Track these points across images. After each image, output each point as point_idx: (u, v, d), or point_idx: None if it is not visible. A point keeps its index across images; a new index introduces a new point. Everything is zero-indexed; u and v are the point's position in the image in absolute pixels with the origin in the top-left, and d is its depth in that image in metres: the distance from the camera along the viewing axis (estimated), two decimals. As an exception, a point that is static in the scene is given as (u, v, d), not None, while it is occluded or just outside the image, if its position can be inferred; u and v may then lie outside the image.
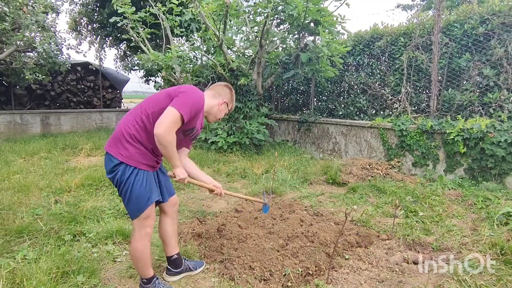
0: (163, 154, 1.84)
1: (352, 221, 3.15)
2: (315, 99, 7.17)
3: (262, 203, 2.83)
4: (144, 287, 1.96)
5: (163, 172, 2.05)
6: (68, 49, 8.64)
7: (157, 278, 2.00)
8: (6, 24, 6.69)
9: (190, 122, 1.89)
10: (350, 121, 5.87)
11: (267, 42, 5.96)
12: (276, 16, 5.83)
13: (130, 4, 6.15)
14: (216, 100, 2.08)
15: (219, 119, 2.17)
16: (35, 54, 7.79)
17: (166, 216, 2.12)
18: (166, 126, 1.72)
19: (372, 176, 4.64)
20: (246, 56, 6.83)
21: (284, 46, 6.54)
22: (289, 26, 5.93)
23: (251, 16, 6.36)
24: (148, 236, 1.89)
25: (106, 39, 10.71)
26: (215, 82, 8.46)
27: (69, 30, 10.38)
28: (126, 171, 1.78)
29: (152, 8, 6.45)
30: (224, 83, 2.17)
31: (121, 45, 11.09)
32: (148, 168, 1.85)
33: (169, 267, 2.18)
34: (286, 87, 8.01)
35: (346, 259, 2.45)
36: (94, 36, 10.66)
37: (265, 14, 5.36)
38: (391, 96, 5.67)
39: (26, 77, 7.20)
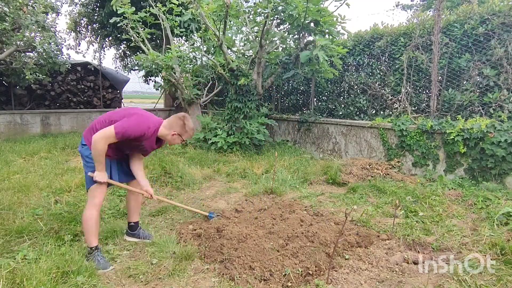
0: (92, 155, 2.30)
1: (352, 221, 3.15)
2: (315, 99, 7.16)
3: (205, 215, 3.15)
4: (88, 256, 2.32)
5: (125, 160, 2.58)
6: (68, 49, 8.65)
7: (98, 250, 2.37)
8: (6, 24, 6.68)
9: (131, 141, 2.34)
10: (350, 121, 5.87)
11: (267, 42, 5.96)
12: (276, 16, 5.83)
13: (130, 4, 6.15)
14: (168, 131, 2.43)
15: (178, 143, 2.52)
16: (35, 54, 7.79)
17: (130, 193, 2.71)
18: (99, 137, 2.21)
19: (372, 176, 4.64)
20: (246, 56, 6.83)
21: (284, 46, 6.54)
22: (289, 26, 5.93)
23: (251, 16, 6.36)
24: (95, 206, 2.34)
25: (106, 39, 10.70)
26: (215, 82, 8.41)
27: (68, 30, 10.37)
28: (88, 151, 2.33)
29: (152, 8, 6.45)
30: (180, 114, 2.49)
31: (121, 45, 11.08)
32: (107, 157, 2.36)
33: (128, 230, 2.75)
34: (286, 87, 8.01)
35: (346, 259, 2.45)
36: (94, 36, 10.65)
37: (265, 14, 5.36)
38: (391, 96, 5.67)
39: (27, 77, 7.19)
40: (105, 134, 2.21)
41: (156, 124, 2.41)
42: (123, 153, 2.53)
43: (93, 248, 2.33)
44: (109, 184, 2.47)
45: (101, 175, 2.30)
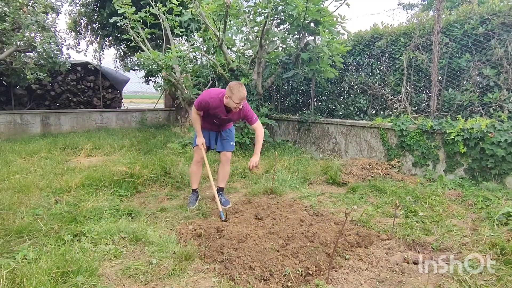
0: None
1: (352, 221, 3.15)
2: (315, 99, 7.16)
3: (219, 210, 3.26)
4: (190, 195, 3.66)
5: (223, 137, 3.58)
6: (68, 49, 8.66)
7: (194, 193, 3.61)
8: (6, 24, 6.69)
9: (207, 110, 3.27)
10: (350, 121, 5.87)
11: (267, 42, 5.96)
12: (276, 16, 5.82)
13: (131, 4, 6.15)
14: (224, 97, 3.13)
15: (235, 107, 3.13)
16: (35, 54, 7.80)
17: (220, 162, 3.67)
18: (191, 111, 3.42)
19: (372, 176, 4.64)
20: (246, 56, 6.83)
21: (284, 46, 6.54)
22: (289, 26, 5.93)
23: (251, 16, 6.36)
24: (194, 162, 3.58)
25: (106, 39, 10.70)
26: (215, 82, 8.44)
27: (68, 30, 10.37)
28: None
29: (152, 8, 6.45)
30: (231, 82, 3.13)
31: (121, 45, 11.09)
32: (204, 127, 3.49)
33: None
34: (286, 87, 8.01)
35: (346, 259, 2.45)
36: (94, 36, 10.65)
37: (265, 14, 5.36)
38: (391, 96, 5.67)
39: (27, 77, 7.19)
40: (192, 109, 3.35)
41: (218, 94, 3.20)
42: (214, 125, 3.48)
43: (192, 190, 3.63)
44: (208, 148, 3.60)
45: (197, 139, 3.44)
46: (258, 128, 3.38)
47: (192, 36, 8.21)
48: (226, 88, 3.11)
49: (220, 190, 3.64)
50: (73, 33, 10.34)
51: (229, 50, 6.74)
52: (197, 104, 3.24)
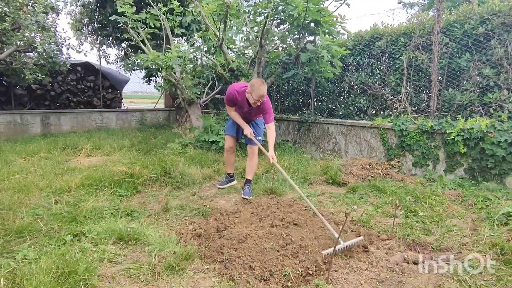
0: None
1: (352, 221, 3.15)
2: (315, 99, 7.16)
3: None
4: (227, 177, 4.22)
5: (254, 128, 3.92)
6: (68, 49, 8.64)
7: (228, 176, 4.22)
8: (6, 24, 6.68)
9: (235, 104, 3.72)
10: (350, 121, 5.87)
11: (267, 42, 5.96)
12: (276, 16, 5.82)
13: (132, 4, 6.15)
14: (247, 91, 3.48)
15: (253, 103, 3.48)
16: (35, 54, 7.79)
17: (248, 156, 3.99)
18: (227, 110, 3.89)
19: (372, 176, 4.64)
20: (246, 56, 6.83)
21: (284, 46, 6.54)
22: (289, 26, 5.92)
23: (251, 16, 6.36)
24: (226, 150, 4.07)
25: (107, 39, 10.70)
26: (215, 82, 8.41)
27: (72, 30, 10.36)
28: None
29: (153, 8, 6.45)
30: (254, 79, 3.53)
31: (122, 44, 11.08)
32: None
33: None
34: (286, 87, 8.01)
35: (346, 258, 2.45)
36: (95, 36, 10.64)
37: (265, 14, 5.35)
38: (391, 96, 5.67)
39: (26, 77, 7.19)
40: (227, 108, 3.88)
41: (242, 87, 3.58)
42: (245, 118, 3.84)
43: (227, 174, 4.22)
44: (237, 139, 4.05)
45: (245, 130, 3.78)
46: (272, 128, 3.69)
47: (193, 36, 8.21)
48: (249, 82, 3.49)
49: (247, 181, 3.96)
50: (78, 32, 10.32)
51: (229, 50, 6.74)
52: (226, 101, 3.72)
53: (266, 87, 3.48)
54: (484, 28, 4.50)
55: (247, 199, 3.73)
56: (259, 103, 3.50)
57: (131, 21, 6.34)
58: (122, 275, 2.20)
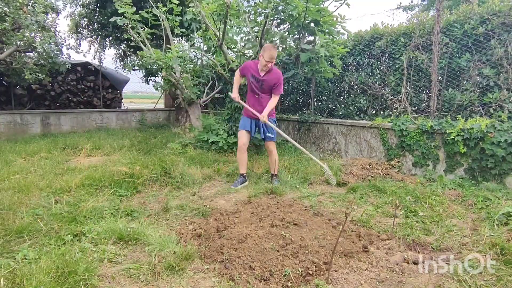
0: None
1: (352, 221, 3.15)
2: (315, 99, 7.16)
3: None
4: (240, 178, 4.23)
5: (266, 126, 4.21)
6: (68, 49, 8.64)
7: (241, 177, 4.21)
8: (6, 24, 6.68)
9: (245, 74, 4.18)
10: (350, 121, 5.87)
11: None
12: (276, 16, 5.82)
13: (131, 4, 6.14)
14: (260, 55, 3.91)
15: (265, 65, 3.86)
16: (35, 54, 7.79)
17: (267, 153, 4.44)
18: (235, 74, 4.31)
19: (372, 176, 4.64)
20: (246, 56, 6.83)
21: (284, 46, 6.54)
22: (289, 26, 5.92)
23: (251, 16, 6.36)
24: (239, 148, 4.19)
25: (106, 39, 10.70)
26: (215, 82, 8.40)
27: (69, 33, 10.37)
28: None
29: (153, 8, 6.44)
30: (266, 44, 4.18)
31: (121, 45, 11.09)
32: (245, 115, 4.33)
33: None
34: (286, 87, 8.00)
35: (346, 258, 2.45)
36: (94, 37, 10.65)
37: (265, 14, 5.35)
38: (391, 96, 5.67)
39: (26, 77, 7.19)
40: (236, 72, 4.32)
41: (255, 61, 4.19)
42: (256, 101, 4.16)
43: (240, 174, 4.25)
44: (251, 136, 4.28)
45: (234, 94, 4.25)
46: (275, 98, 4.07)
47: (193, 36, 8.20)
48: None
49: (273, 176, 4.32)
50: (74, 35, 10.34)
51: (229, 50, 6.74)
52: (241, 68, 4.20)
53: (277, 52, 3.83)
54: (484, 28, 4.50)
55: (276, 186, 4.02)
56: (270, 66, 3.82)
57: (131, 21, 6.34)
58: (122, 275, 2.20)
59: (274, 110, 4.33)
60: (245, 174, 4.28)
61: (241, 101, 4.32)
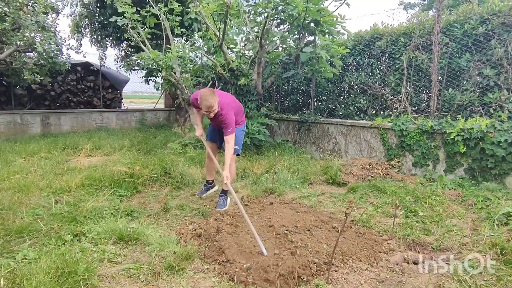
0: None
1: (352, 221, 3.15)
2: (315, 99, 7.16)
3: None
4: (205, 185, 3.96)
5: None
6: (68, 49, 8.63)
7: (206, 184, 3.96)
8: (6, 24, 6.68)
9: (199, 109, 3.53)
10: (350, 121, 5.87)
11: (267, 42, 5.96)
12: (276, 16, 5.82)
13: (131, 4, 6.14)
14: None
15: (205, 113, 3.31)
16: (35, 54, 7.79)
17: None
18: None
19: (372, 176, 4.64)
20: (246, 56, 6.83)
21: (284, 46, 6.54)
22: (289, 26, 5.92)
23: (251, 16, 6.36)
24: (207, 156, 3.80)
25: (107, 39, 10.69)
26: (215, 82, 8.42)
27: (70, 33, 10.36)
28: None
29: (153, 8, 6.44)
30: (202, 90, 3.23)
31: (122, 44, 11.08)
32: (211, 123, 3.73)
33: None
34: (286, 87, 8.01)
35: (346, 258, 2.45)
36: (95, 37, 10.64)
37: (265, 14, 5.35)
38: (391, 96, 5.66)
39: (25, 77, 7.19)
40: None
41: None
42: (213, 122, 3.62)
43: (205, 180, 4.00)
44: (220, 146, 3.93)
45: (198, 131, 3.79)
46: (228, 142, 3.29)
47: (193, 35, 8.20)
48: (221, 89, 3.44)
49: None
50: (75, 35, 10.33)
51: (229, 50, 6.74)
52: (191, 103, 3.71)
53: (217, 98, 3.17)
54: (484, 28, 4.50)
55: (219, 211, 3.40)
56: (212, 115, 3.23)
57: (131, 21, 6.34)
58: (122, 275, 2.20)
59: (244, 118, 3.78)
60: (210, 181, 3.96)
61: (204, 142, 3.84)
